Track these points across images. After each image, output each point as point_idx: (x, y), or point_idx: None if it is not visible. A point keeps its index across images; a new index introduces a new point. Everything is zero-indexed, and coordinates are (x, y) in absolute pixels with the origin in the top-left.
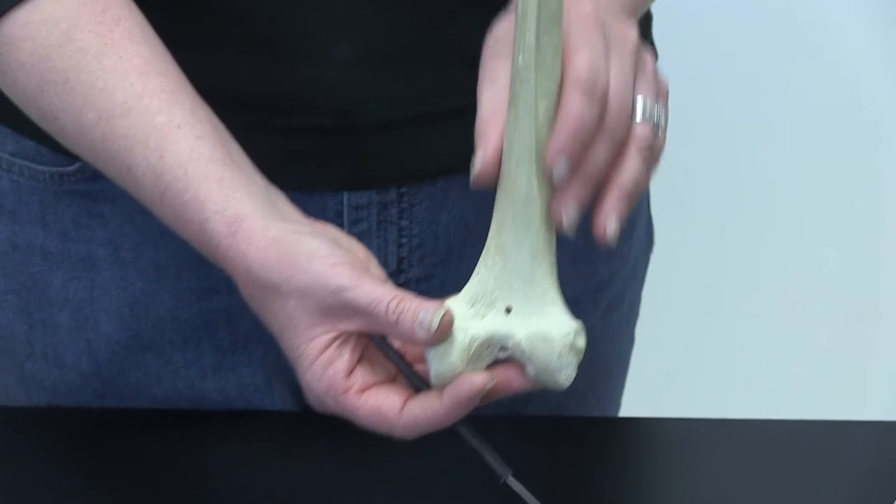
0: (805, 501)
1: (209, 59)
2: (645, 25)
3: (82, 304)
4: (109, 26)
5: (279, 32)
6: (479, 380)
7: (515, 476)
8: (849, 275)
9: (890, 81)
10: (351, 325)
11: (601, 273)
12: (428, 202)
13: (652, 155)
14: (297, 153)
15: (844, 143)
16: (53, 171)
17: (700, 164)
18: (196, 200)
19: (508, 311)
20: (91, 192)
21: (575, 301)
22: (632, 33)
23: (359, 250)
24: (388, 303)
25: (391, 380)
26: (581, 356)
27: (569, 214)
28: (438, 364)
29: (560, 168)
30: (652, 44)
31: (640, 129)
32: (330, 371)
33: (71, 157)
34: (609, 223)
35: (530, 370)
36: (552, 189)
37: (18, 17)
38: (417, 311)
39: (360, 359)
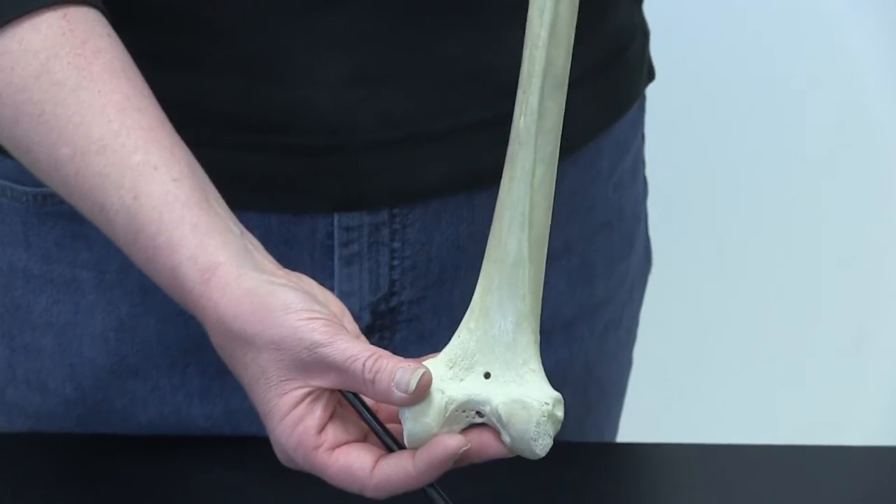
0: None
1: (200, 78)
2: (642, 45)
3: (66, 327)
4: (89, 58)
5: (270, 51)
6: (453, 442)
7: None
8: (849, 300)
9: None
10: (325, 382)
11: (598, 294)
12: (420, 223)
13: None
14: (288, 173)
15: (846, 171)
16: (37, 192)
17: (699, 185)
18: (169, 245)
19: (487, 376)
20: (75, 213)
21: (572, 323)
22: None
23: (333, 304)
24: (365, 361)
25: (363, 438)
26: (559, 427)
27: None
28: (413, 424)
29: None
30: (650, 66)
31: None
32: (300, 427)
33: None
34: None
35: (506, 437)
36: (543, 256)
37: None
38: (394, 371)
39: (332, 416)
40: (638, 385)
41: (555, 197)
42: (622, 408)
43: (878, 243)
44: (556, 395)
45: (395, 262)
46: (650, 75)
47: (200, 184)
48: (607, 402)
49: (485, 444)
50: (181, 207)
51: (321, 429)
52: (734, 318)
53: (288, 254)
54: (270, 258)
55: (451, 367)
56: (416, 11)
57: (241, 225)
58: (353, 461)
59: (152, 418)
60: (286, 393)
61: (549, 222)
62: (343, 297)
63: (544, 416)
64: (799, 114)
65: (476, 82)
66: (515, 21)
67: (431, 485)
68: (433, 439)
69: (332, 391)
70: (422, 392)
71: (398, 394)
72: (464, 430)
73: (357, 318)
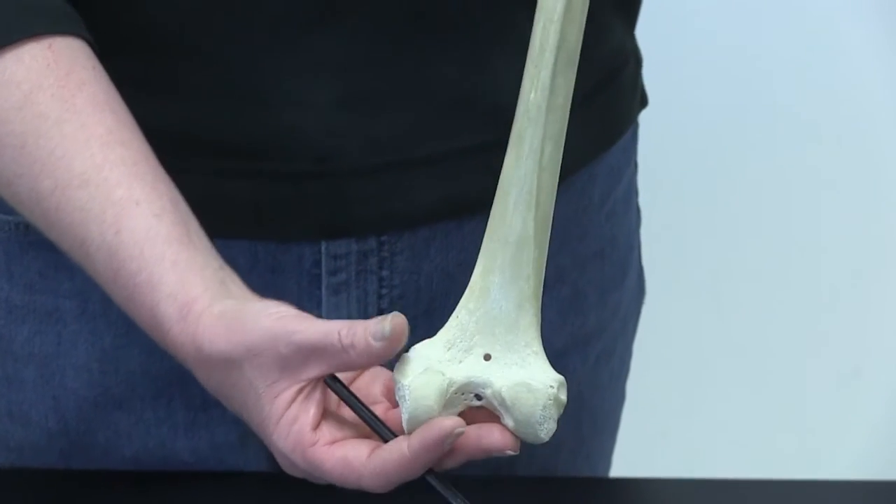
0: None
1: (185, 103)
2: (635, 71)
3: (48, 359)
4: (73, 90)
5: (256, 76)
6: (448, 423)
7: None
8: (844, 331)
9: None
10: (310, 372)
11: (590, 324)
12: (409, 251)
13: None
14: (274, 200)
15: (843, 202)
16: (19, 221)
17: (693, 213)
18: (149, 283)
19: (487, 357)
20: None
21: (563, 353)
22: None
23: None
24: (339, 331)
25: (359, 436)
26: (562, 411)
27: None
28: (414, 406)
29: None
30: (643, 92)
31: None
32: (296, 427)
33: None
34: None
35: (508, 422)
36: (547, 238)
37: None
38: (367, 327)
39: (327, 415)
40: (631, 417)
41: None
42: (615, 441)
43: (874, 273)
44: (560, 378)
45: (384, 291)
46: (643, 102)
47: (182, 218)
48: (600, 434)
49: (484, 433)
50: (162, 244)
51: (316, 426)
52: (729, 349)
53: (275, 282)
54: (246, 290)
55: (448, 349)
56: (404, 36)
57: (220, 258)
58: (348, 452)
59: (137, 452)
60: (277, 396)
61: (553, 205)
62: None
63: (550, 400)
64: (795, 145)
65: (466, 107)
66: (506, 46)
67: (431, 471)
68: (428, 421)
69: (323, 390)
70: (399, 334)
71: (376, 344)
72: (462, 416)
73: None
